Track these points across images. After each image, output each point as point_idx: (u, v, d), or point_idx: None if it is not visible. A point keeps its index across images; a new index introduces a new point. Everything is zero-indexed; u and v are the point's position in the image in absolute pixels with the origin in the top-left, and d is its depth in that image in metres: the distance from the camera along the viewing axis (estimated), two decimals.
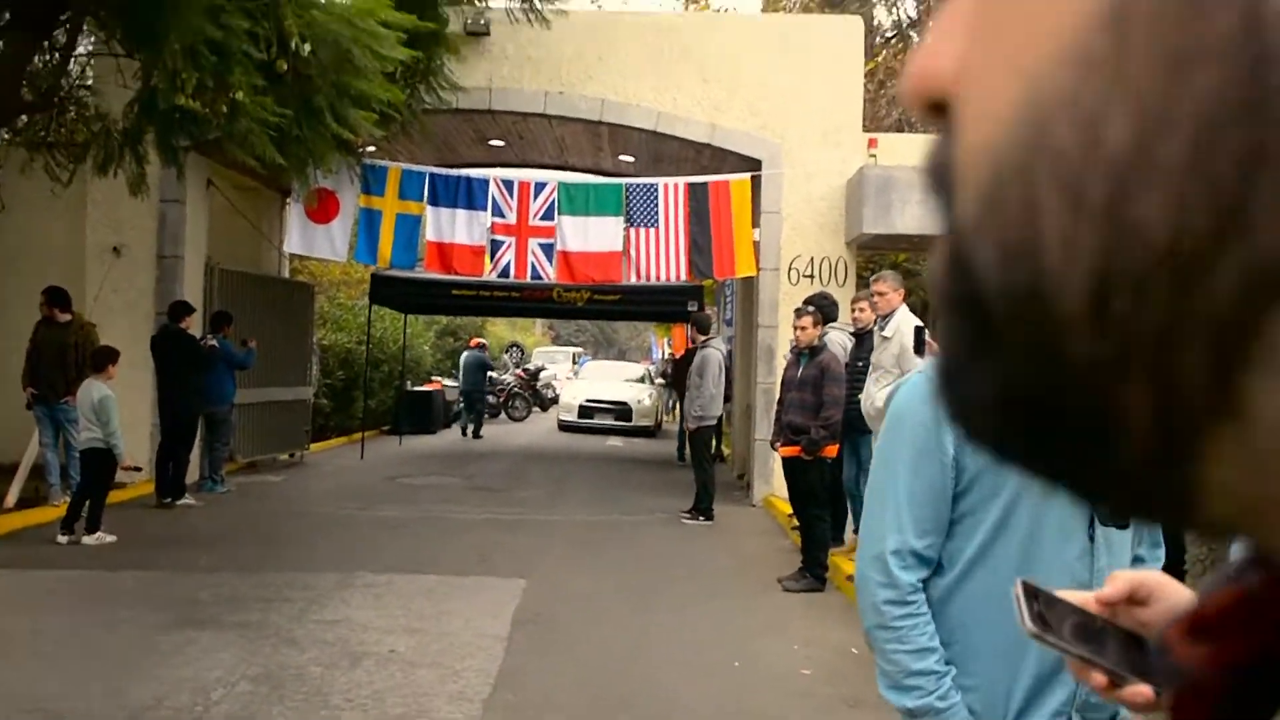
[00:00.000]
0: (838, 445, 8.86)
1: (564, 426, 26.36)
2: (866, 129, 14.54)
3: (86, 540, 9.58)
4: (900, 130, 17.33)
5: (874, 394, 8.19)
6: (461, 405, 24.80)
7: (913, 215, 12.47)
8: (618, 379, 28.82)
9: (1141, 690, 0.93)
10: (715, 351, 12.19)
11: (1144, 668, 0.94)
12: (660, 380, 29.35)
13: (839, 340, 9.50)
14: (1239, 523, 0.35)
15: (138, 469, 10.97)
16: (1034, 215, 0.32)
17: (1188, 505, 0.34)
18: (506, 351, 38.14)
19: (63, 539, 9.57)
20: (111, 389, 9.94)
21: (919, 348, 7.84)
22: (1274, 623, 0.42)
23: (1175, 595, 1.09)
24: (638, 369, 31.80)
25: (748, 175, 13.81)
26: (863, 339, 9.33)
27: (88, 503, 9.74)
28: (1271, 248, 0.29)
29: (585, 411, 26.22)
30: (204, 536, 10.20)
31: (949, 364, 0.37)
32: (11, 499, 10.77)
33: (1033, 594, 0.99)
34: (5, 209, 13.55)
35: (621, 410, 26.17)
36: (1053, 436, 0.35)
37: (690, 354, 14.16)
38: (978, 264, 0.34)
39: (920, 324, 8.10)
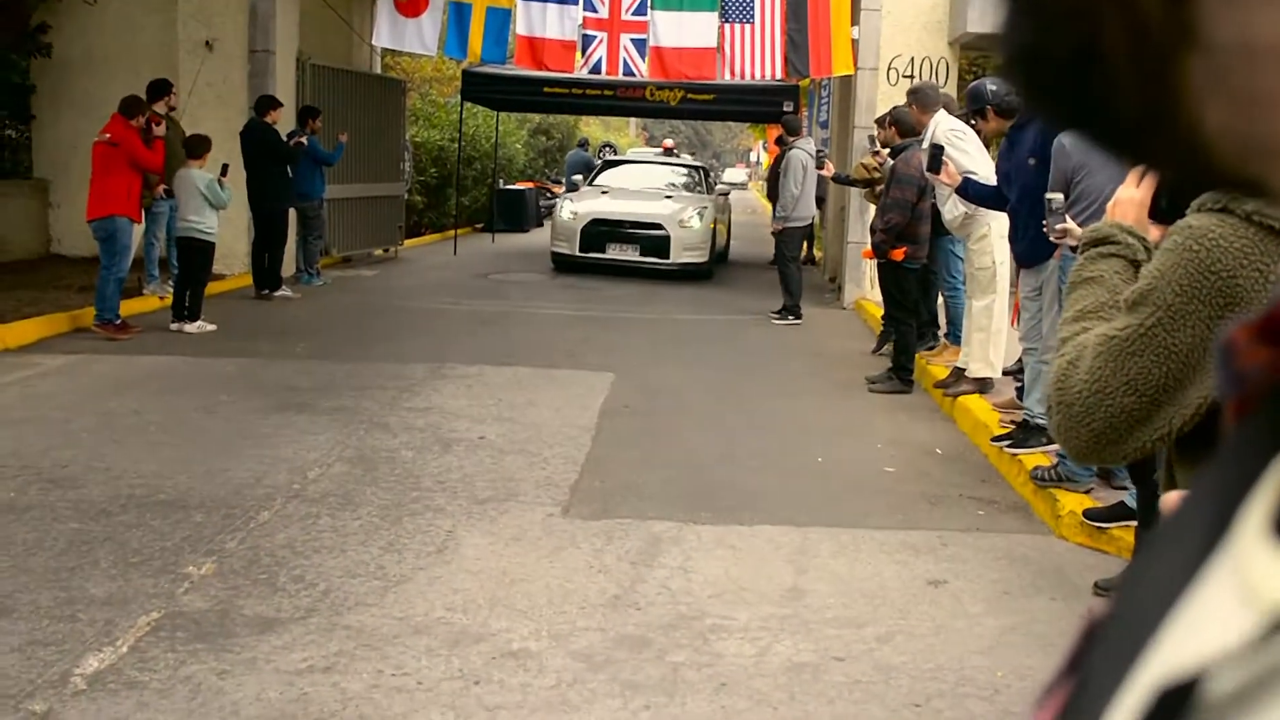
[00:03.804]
0: (904, 249, 8.68)
1: (560, 263, 16.14)
2: None
3: (188, 329, 9.86)
4: None
5: (944, 205, 8.12)
6: None
7: None
8: (654, 185, 17.73)
9: None
10: (799, 152, 11.99)
11: None
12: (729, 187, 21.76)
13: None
14: (1249, 170, 0.35)
15: None
16: None
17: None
18: (600, 152, 37.96)
19: (174, 327, 9.88)
20: None
21: (934, 165, 7.53)
22: None
23: None
24: (681, 169, 19.53)
25: None
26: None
27: (188, 292, 10.01)
28: None
29: (591, 239, 15.73)
30: (300, 327, 10.44)
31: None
32: None
33: None
34: (97, 4, 13.61)
35: (653, 238, 15.61)
36: (1064, 81, 0.37)
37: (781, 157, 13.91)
38: None
39: (939, 145, 7.74)
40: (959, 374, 8.27)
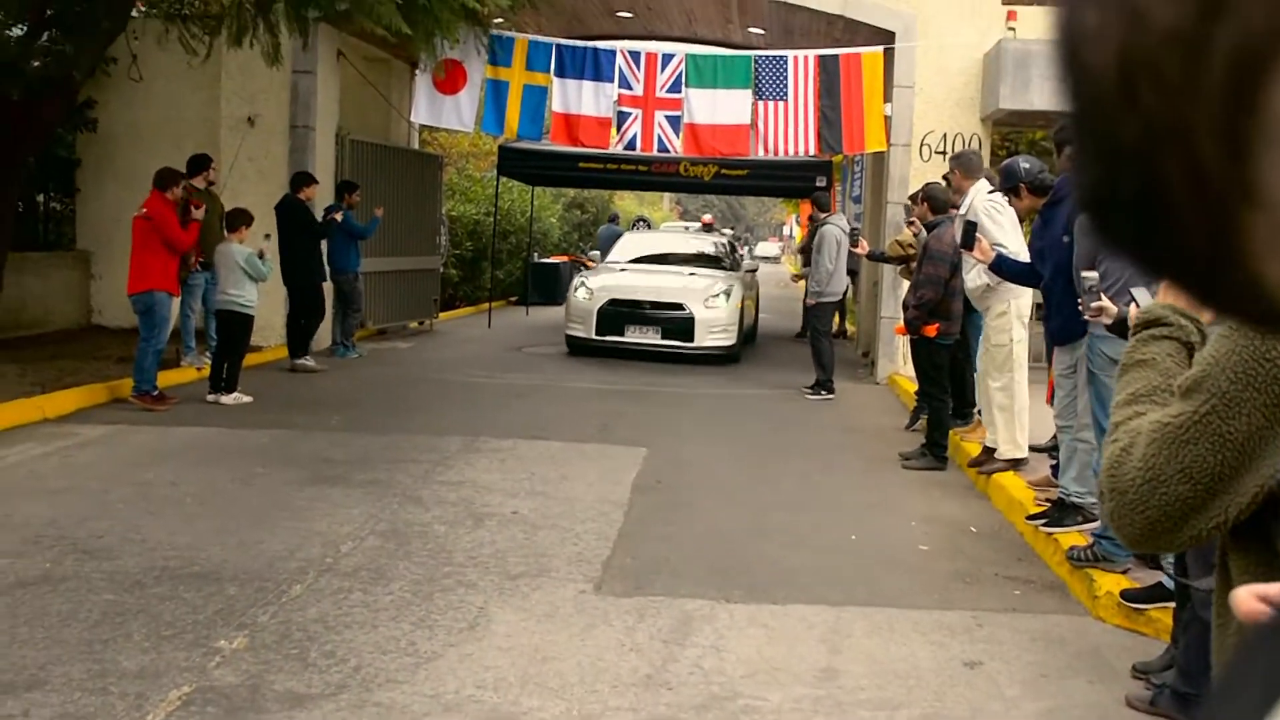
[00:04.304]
0: (937, 325, 8.66)
1: (575, 347, 14.73)
2: (1005, 0, 14.01)
3: (225, 400, 9.94)
4: (1041, 3, 16.66)
5: (968, 275, 8.13)
6: None
7: (1052, 91, 12.00)
8: (676, 261, 16.23)
9: None
10: (833, 228, 12.05)
11: None
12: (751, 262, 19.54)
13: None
14: None
15: None
16: (1078, 14, 0.39)
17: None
18: (633, 226, 38.19)
19: (211, 398, 9.97)
20: None
21: (967, 240, 7.45)
22: None
23: None
24: (707, 241, 18.33)
25: (880, 48, 13.47)
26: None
27: (226, 363, 10.11)
28: (1252, 24, 0.34)
29: (609, 320, 14.37)
30: (335, 399, 10.50)
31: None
32: None
33: None
34: (143, 80, 13.90)
35: (675, 320, 14.29)
36: (1131, 224, 0.39)
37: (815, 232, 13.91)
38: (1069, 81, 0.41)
39: (972, 221, 7.67)
40: (990, 452, 8.22)
